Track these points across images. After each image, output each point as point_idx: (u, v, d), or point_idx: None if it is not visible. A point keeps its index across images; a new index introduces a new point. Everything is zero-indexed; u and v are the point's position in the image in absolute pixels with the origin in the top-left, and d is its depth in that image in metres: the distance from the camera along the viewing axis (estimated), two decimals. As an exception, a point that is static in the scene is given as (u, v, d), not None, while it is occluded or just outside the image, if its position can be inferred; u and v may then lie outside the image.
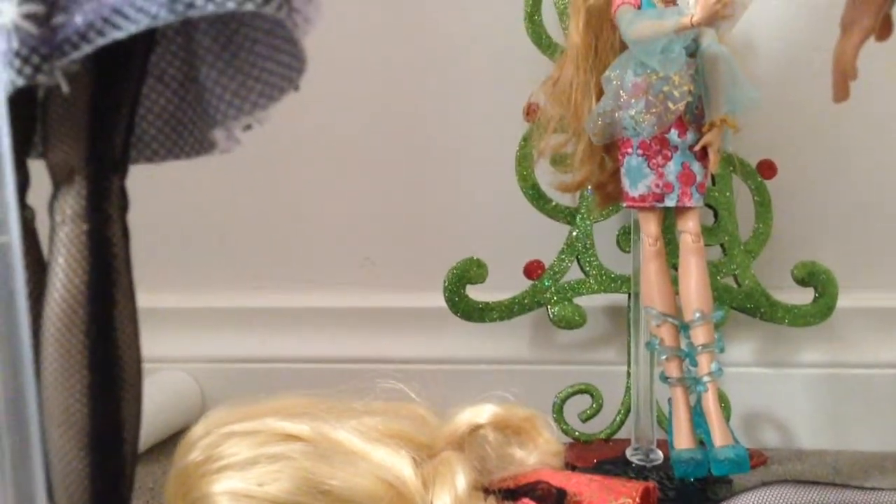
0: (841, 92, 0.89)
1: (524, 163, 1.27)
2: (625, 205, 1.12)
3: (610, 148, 1.13)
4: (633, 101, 1.02)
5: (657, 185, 1.06)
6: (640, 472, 1.13)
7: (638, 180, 1.07)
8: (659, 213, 1.09)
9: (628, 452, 1.19)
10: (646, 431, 1.20)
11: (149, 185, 1.46)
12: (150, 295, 1.43)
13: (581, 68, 1.06)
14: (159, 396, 1.33)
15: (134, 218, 1.54)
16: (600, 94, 1.09)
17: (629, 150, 1.08)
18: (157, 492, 1.06)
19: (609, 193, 1.17)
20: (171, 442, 1.17)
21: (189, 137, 0.71)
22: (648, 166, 1.05)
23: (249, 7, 0.55)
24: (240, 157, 1.43)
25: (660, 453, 1.18)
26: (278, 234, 1.44)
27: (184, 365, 1.42)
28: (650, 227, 1.08)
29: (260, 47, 0.65)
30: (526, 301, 1.26)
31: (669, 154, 1.06)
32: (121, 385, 0.60)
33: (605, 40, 1.07)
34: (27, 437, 0.35)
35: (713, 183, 1.27)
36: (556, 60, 1.20)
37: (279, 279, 1.43)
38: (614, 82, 1.04)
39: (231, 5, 0.54)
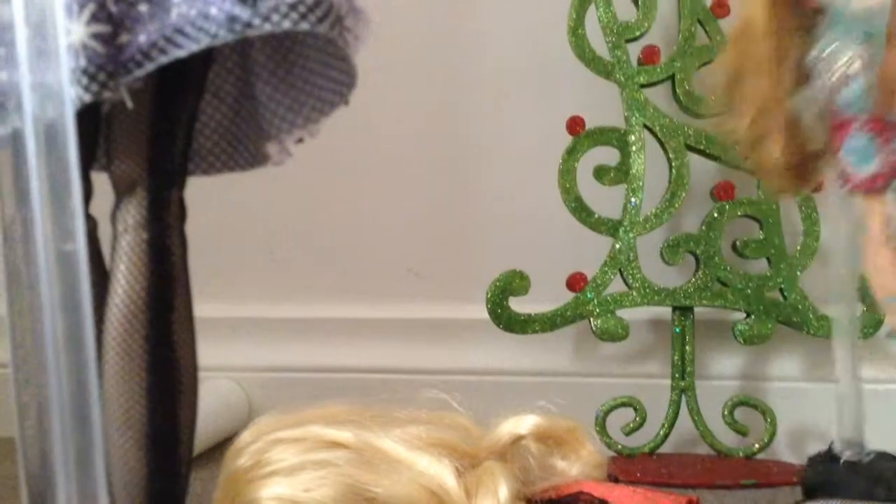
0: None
1: (567, 176, 1.27)
2: (846, 188, 0.97)
3: (816, 126, 1.01)
4: (856, 75, 0.90)
5: (889, 165, 0.91)
6: (852, 469, 1.05)
7: (866, 160, 0.93)
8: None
9: (836, 447, 1.10)
10: (853, 427, 1.11)
11: (203, 197, 1.50)
12: (200, 305, 1.47)
13: (773, 38, 0.94)
14: (207, 405, 1.35)
15: (188, 229, 1.57)
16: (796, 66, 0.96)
17: (852, 129, 0.94)
18: (203, 497, 1.08)
19: (799, 175, 1.01)
20: (217, 449, 1.19)
21: (244, 151, 0.73)
22: (878, 144, 0.95)
23: (304, 27, 0.57)
24: (291, 172, 1.46)
25: (870, 449, 1.09)
26: (326, 246, 1.46)
27: (231, 374, 1.45)
28: (879, 208, 0.93)
29: (313, 64, 0.67)
30: (568, 313, 1.26)
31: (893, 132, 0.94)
32: (178, 388, 0.62)
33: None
34: (90, 438, 0.37)
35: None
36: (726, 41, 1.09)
37: (325, 291, 1.45)
38: (831, 57, 0.92)
39: (287, 24, 0.56)
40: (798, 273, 1.26)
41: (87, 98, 0.55)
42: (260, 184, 1.46)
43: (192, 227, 1.60)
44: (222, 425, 1.32)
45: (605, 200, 1.28)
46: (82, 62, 0.54)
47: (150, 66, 0.57)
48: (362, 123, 1.44)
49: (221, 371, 1.45)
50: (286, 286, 1.46)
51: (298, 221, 1.46)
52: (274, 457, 0.79)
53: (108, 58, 0.55)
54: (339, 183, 1.45)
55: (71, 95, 0.37)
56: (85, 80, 0.55)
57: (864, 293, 1.25)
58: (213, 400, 1.38)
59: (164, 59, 0.57)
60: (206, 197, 1.47)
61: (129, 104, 0.57)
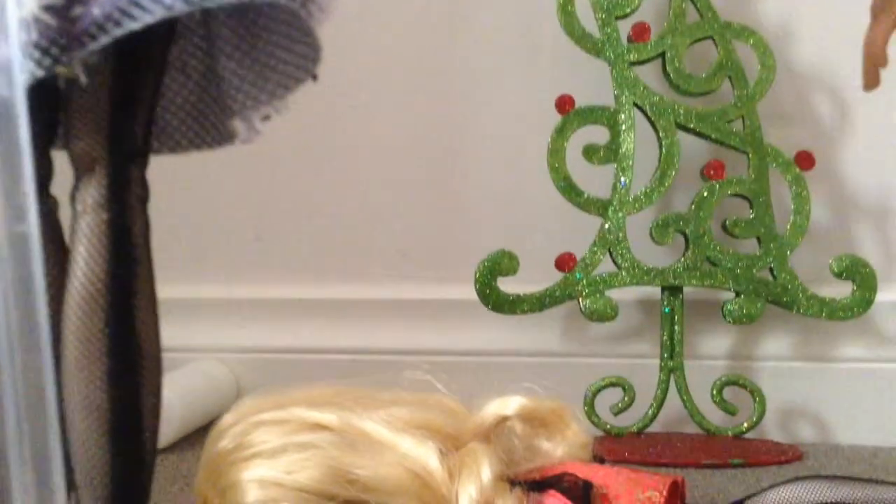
0: (871, 80, 0.87)
1: (556, 155, 1.26)
2: None
3: None
4: None
5: None
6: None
7: None
8: None
9: None
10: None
11: (187, 179, 1.49)
12: (187, 286, 1.47)
13: None
14: (195, 385, 1.35)
15: (172, 211, 1.57)
16: None
17: None
18: (191, 479, 1.07)
19: None
20: (205, 430, 1.18)
21: (211, 128, 0.72)
22: None
23: None
24: (277, 152, 1.45)
25: None
26: (313, 227, 1.45)
27: (219, 355, 1.44)
28: None
29: (277, 38, 0.65)
30: (557, 293, 1.26)
31: None
32: (140, 373, 0.61)
33: None
34: (46, 426, 0.36)
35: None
36: None
37: (314, 271, 1.45)
38: None
39: None
40: (788, 252, 1.25)
41: (40, 73, 0.54)
42: (247, 165, 1.45)
43: (176, 210, 1.59)
44: (210, 406, 1.31)
45: (595, 180, 1.27)
46: (34, 36, 0.53)
47: (104, 40, 0.55)
48: (350, 104, 1.43)
49: (209, 352, 1.44)
50: (274, 267, 1.45)
51: (285, 203, 1.45)
52: (256, 439, 0.78)
53: (60, 31, 0.54)
54: (327, 164, 1.44)
55: (22, 71, 0.36)
56: (37, 55, 0.53)
57: (853, 272, 1.24)
58: (200, 381, 1.38)
59: (118, 32, 0.55)
60: (192, 177, 1.47)
61: (84, 80, 0.56)
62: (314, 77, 0.67)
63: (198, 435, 1.26)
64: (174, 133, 0.73)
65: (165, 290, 1.54)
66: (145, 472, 0.63)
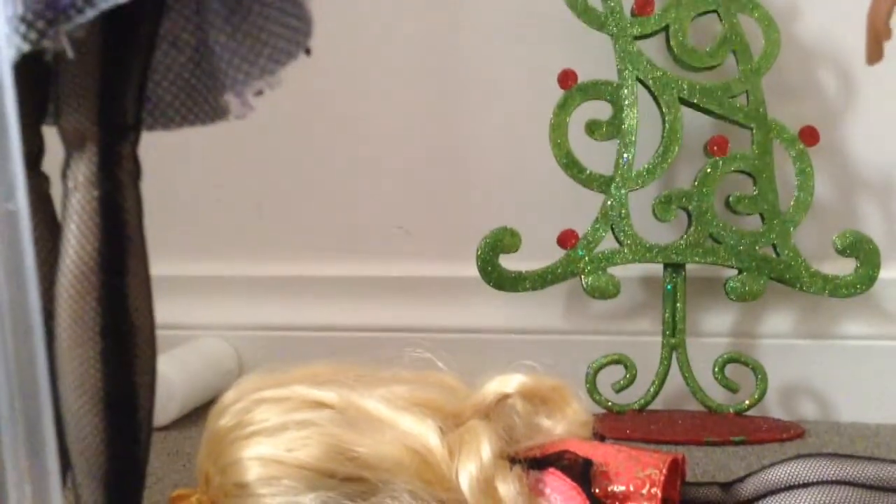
0: (874, 53, 0.86)
1: (559, 131, 1.25)
2: None
3: None
4: None
5: None
6: None
7: None
8: None
9: None
10: None
11: (189, 156, 1.48)
12: (189, 264, 1.46)
13: None
14: (197, 363, 1.35)
15: (175, 189, 1.56)
16: None
17: None
18: (193, 456, 1.08)
19: None
20: (207, 407, 1.19)
21: (203, 104, 0.71)
22: None
23: None
24: (277, 130, 1.44)
25: None
26: (314, 204, 1.44)
27: (222, 332, 1.44)
28: None
29: (268, 10, 0.64)
30: (559, 271, 1.25)
31: None
32: (134, 352, 0.61)
33: None
34: (38, 405, 0.36)
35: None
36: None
37: (315, 249, 1.44)
38: None
39: None
40: (791, 229, 1.25)
41: (26, 47, 0.53)
42: (249, 142, 1.45)
43: (181, 187, 1.58)
44: (212, 384, 1.31)
45: (597, 156, 1.26)
46: (20, 9, 0.52)
47: (90, 14, 0.54)
48: (351, 81, 1.42)
49: (211, 329, 1.44)
50: (276, 245, 1.45)
51: (286, 180, 1.45)
52: (257, 417, 0.78)
53: (46, 4, 0.53)
54: (328, 142, 1.43)
55: (9, 45, 0.35)
56: (23, 28, 0.52)
57: (857, 249, 1.24)
58: (202, 358, 1.38)
59: (105, 6, 0.54)
60: (193, 155, 1.46)
61: (71, 53, 0.55)
62: (307, 51, 0.66)
63: (200, 412, 1.27)
64: (167, 109, 0.72)
65: (168, 267, 1.54)
66: (141, 450, 0.63)
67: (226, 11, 0.65)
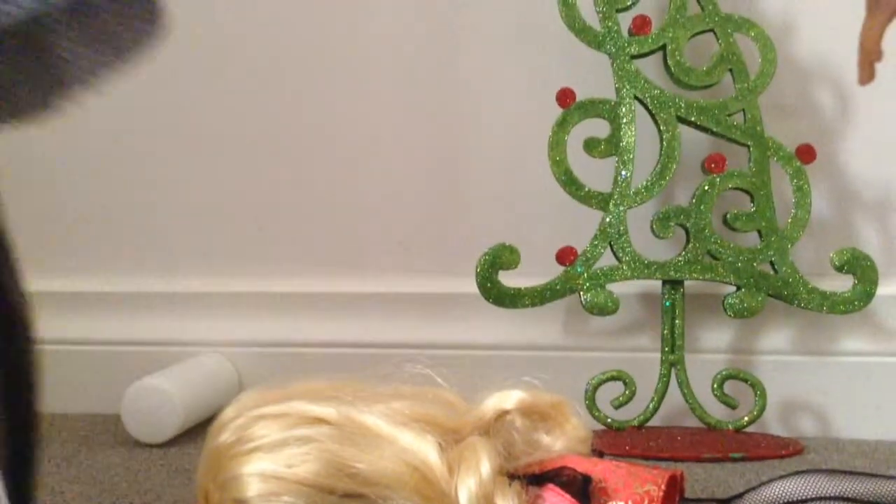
0: (865, 74, 0.87)
1: (557, 148, 1.26)
2: None
3: None
4: None
5: None
6: None
7: None
8: None
9: None
10: None
11: (187, 171, 1.49)
12: (188, 280, 1.47)
13: None
14: (197, 379, 1.35)
15: (173, 204, 1.57)
16: None
17: None
18: (193, 472, 1.08)
19: None
20: (207, 424, 1.19)
21: (35, 100, 0.62)
22: None
23: None
24: (277, 145, 1.45)
25: None
26: (314, 220, 1.45)
27: (222, 349, 1.45)
28: None
29: (105, 2, 0.57)
30: (558, 287, 1.26)
31: None
32: (13, 329, 0.57)
33: None
34: None
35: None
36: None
37: (315, 265, 1.45)
38: None
39: None
40: (789, 246, 1.25)
41: None
42: (248, 158, 1.46)
43: (181, 204, 1.59)
44: (211, 400, 1.32)
45: (596, 174, 1.27)
46: None
47: None
48: (349, 96, 1.43)
49: (210, 346, 1.44)
50: (275, 261, 1.46)
51: (286, 196, 1.45)
52: (257, 433, 0.78)
53: None
54: (327, 156, 1.44)
55: None
56: None
57: (854, 265, 1.24)
58: (202, 374, 1.38)
59: None
60: (193, 171, 1.47)
61: None
62: (152, 46, 0.59)
63: (200, 429, 1.27)
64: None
65: (167, 283, 1.55)
66: (33, 433, 0.59)
67: (63, 3, 0.57)
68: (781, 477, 0.87)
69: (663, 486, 0.75)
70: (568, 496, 0.74)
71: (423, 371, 0.88)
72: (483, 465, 0.75)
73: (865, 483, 0.88)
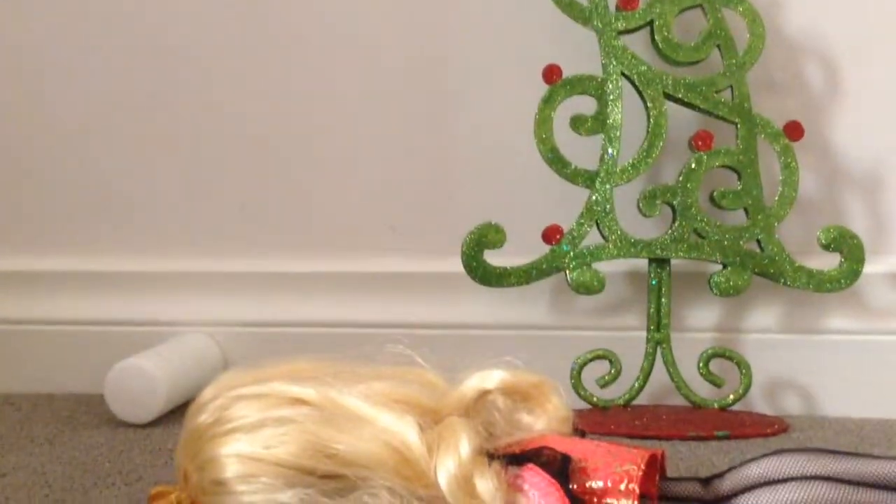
0: None
1: (543, 126, 1.25)
2: None
3: None
4: None
5: None
6: None
7: None
8: None
9: None
10: None
11: (171, 151, 1.47)
12: (172, 259, 1.46)
13: None
14: (181, 359, 1.34)
15: (158, 184, 1.55)
16: None
17: None
18: (175, 453, 1.08)
19: None
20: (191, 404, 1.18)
21: None
22: None
23: None
24: (263, 125, 1.43)
25: None
26: (300, 199, 1.44)
27: (206, 328, 1.44)
28: None
29: None
30: (544, 266, 1.25)
31: None
32: None
33: None
34: None
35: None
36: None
37: (300, 245, 1.44)
38: None
39: None
40: (775, 224, 1.25)
41: None
42: (233, 137, 1.44)
43: (164, 182, 1.58)
44: (196, 380, 1.31)
45: (582, 151, 1.26)
46: None
47: None
48: (335, 77, 1.41)
49: (195, 325, 1.44)
50: (260, 240, 1.45)
51: (272, 174, 1.44)
52: (235, 413, 0.78)
53: None
54: (313, 136, 1.43)
55: None
56: None
57: (841, 243, 1.24)
58: (186, 354, 1.37)
59: None
60: (177, 151, 1.45)
61: None
62: None
63: (184, 409, 1.25)
64: None
65: (151, 263, 1.54)
66: None
67: None
68: (763, 455, 0.87)
69: (643, 466, 0.75)
70: (547, 476, 0.73)
71: (404, 351, 0.87)
72: (462, 445, 0.75)
73: (848, 461, 0.88)
